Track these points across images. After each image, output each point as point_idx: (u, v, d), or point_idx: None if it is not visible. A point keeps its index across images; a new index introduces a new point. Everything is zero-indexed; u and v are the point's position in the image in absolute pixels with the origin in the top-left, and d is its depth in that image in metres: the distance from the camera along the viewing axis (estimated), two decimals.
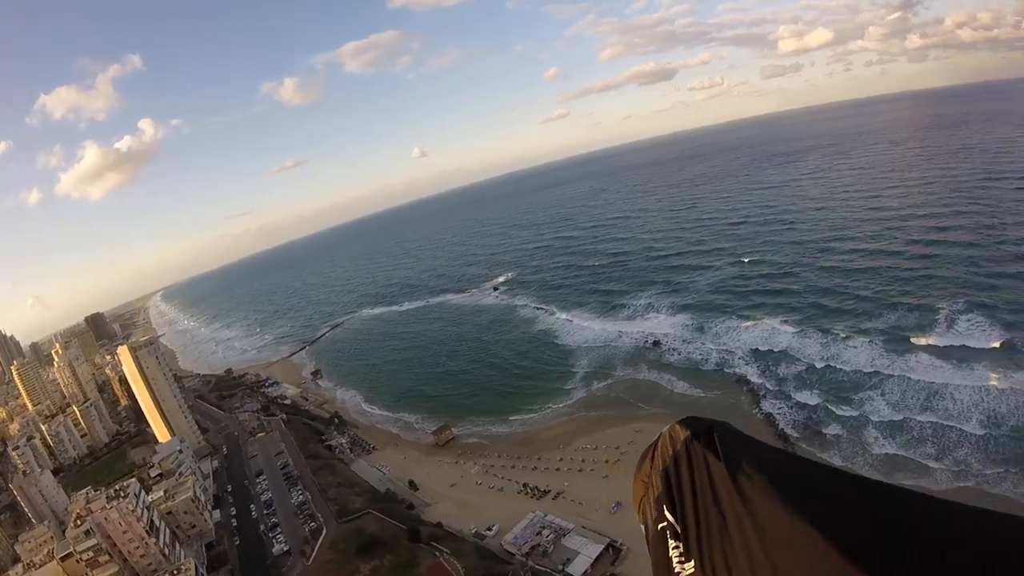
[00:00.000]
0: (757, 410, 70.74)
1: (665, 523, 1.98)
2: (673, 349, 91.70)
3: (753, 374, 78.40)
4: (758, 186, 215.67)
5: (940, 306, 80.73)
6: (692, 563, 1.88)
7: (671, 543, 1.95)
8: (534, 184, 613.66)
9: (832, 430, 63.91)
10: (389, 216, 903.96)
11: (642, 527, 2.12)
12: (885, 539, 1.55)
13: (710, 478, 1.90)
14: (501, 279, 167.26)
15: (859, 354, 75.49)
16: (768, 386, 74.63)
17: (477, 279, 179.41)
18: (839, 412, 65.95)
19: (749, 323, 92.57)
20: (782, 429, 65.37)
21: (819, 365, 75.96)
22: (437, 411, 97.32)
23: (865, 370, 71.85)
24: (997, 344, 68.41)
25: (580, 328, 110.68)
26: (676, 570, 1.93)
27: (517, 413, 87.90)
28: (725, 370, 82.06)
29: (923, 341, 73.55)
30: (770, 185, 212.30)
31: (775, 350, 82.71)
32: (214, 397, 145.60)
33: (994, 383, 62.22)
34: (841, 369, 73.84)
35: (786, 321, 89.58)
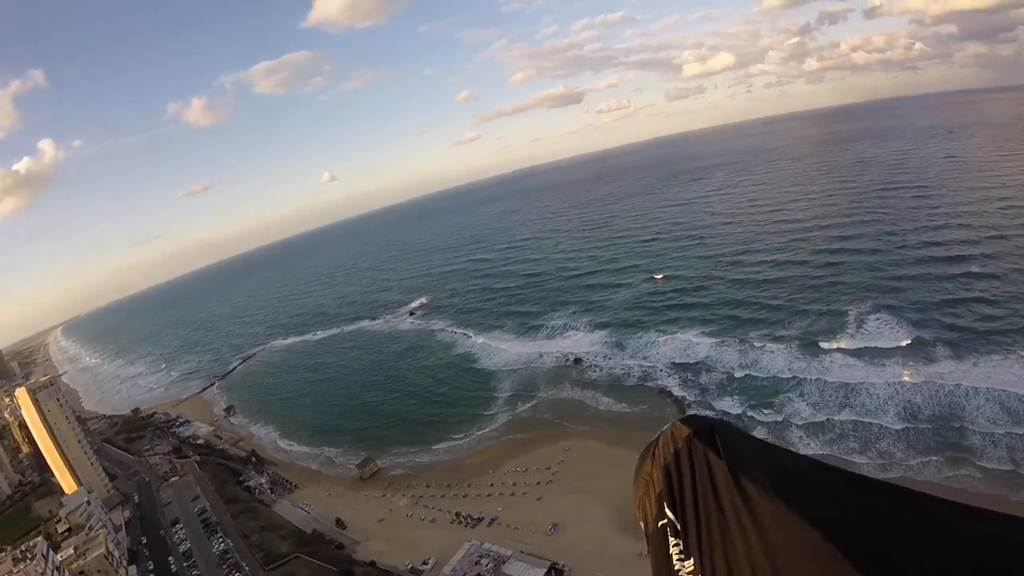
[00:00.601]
0: (682, 415, 72.76)
1: (665, 520, 2.04)
2: (595, 366, 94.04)
3: (675, 386, 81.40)
4: (667, 204, 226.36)
5: (849, 310, 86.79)
6: (692, 561, 1.94)
7: (671, 541, 2.01)
8: (446, 207, 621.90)
9: (758, 434, 65.24)
10: (299, 242, 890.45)
11: (641, 524, 2.20)
12: (886, 541, 1.59)
13: (711, 476, 1.95)
14: (416, 304, 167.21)
15: (776, 360, 79.89)
16: (691, 396, 77.59)
17: (392, 304, 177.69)
18: (762, 417, 69.11)
19: (667, 336, 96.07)
20: None
21: (738, 373, 79.60)
22: (359, 444, 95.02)
23: (783, 375, 76.01)
24: (906, 342, 74.29)
25: (499, 350, 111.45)
26: (676, 568, 1.99)
27: (442, 441, 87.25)
28: (648, 384, 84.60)
29: (835, 344, 78.78)
30: (679, 202, 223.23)
31: (694, 361, 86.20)
32: (121, 440, 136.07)
33: (907, 378, 67.39)
34: (760, 376, 77.76)
35: (703, 333, 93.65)
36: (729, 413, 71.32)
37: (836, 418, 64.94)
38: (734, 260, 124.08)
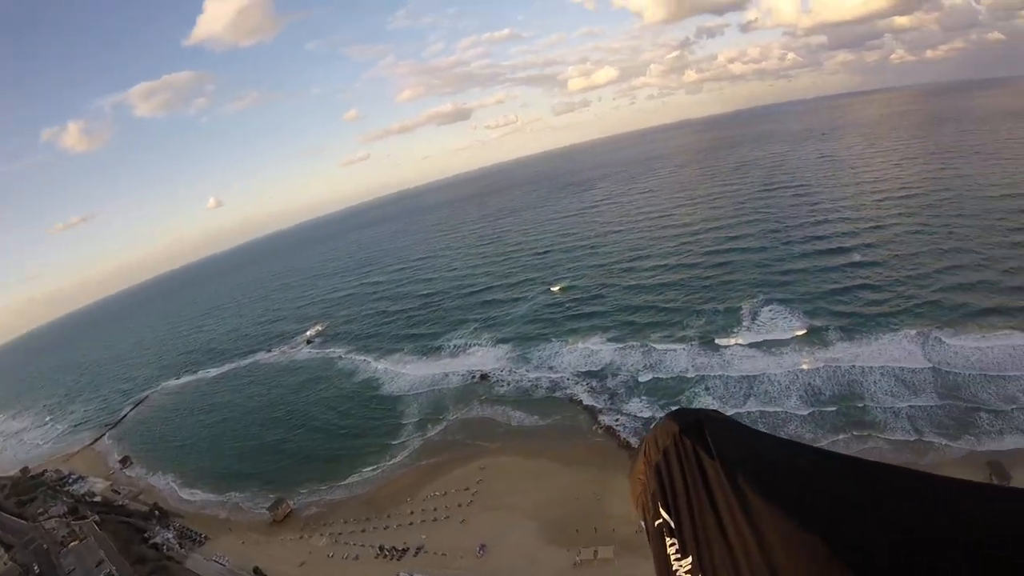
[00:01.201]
0: (596, 426, 75.53)
1: (661, 520, 2.07)
2: (501, 381, 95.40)
3: (584, 393, 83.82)
4: (559, 215, 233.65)
5: (743, 306, 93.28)
6: (689, 559, 1.95)
7: (668, 540, 2.03)
8: (337, 229, 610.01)
9: None
10: (185, 273, 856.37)
11: (642, 524, 2.22)
12: (876, 531, 1.57)
13: (701, 472, 1.96)
14: (312, 332, 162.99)
15: (678, 360, 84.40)
16: (601, 402, 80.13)
17: (287, 334, 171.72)
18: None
19: (570, 346, 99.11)
20: (625, 439, 70.19)
21: (644, 376, 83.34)
22: (267, 486, 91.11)
23: (687, 374, 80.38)
24: (801, 331, 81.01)
25: (402, 374, 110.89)
26: (674, 567, 2.00)
27: (353, 474, 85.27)
28: (557, 394, 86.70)
29: (733, 340, 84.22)
30: (570, 213, 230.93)
31: (599, 368, 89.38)
32: (12, 504, 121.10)
33: (805, 365, 73.36)
34: (664, 376, 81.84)
35: (605, 339, 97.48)
36: (641, 414, 74.89)
37: (743, 409, 68.87)
38: (628, 267, 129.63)
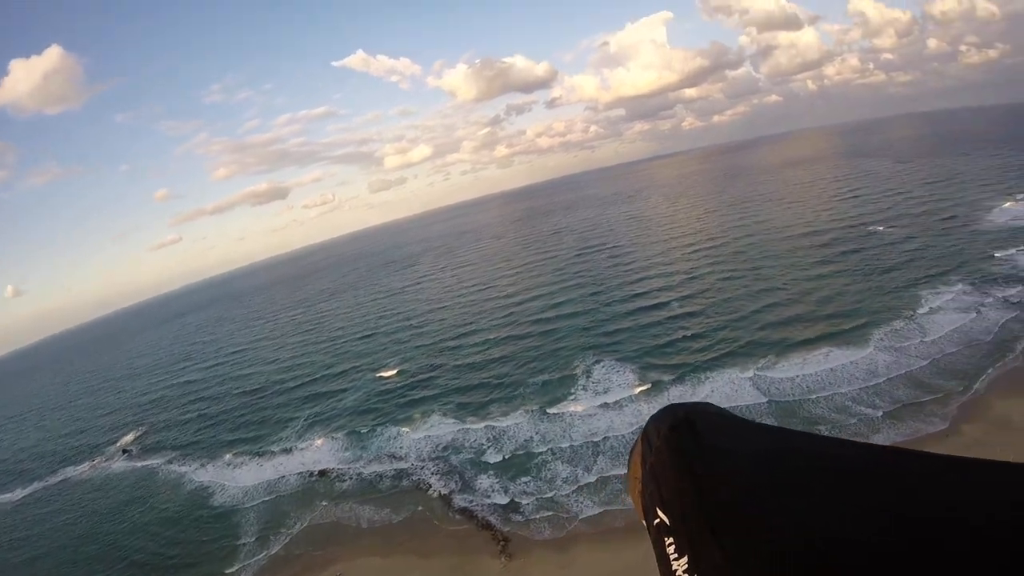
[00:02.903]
0: (450, 510, 71.53)
1: (658, 520, 2.01)
2: (343, 476, 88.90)
3: (432, 477, 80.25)
4: (380, 295, 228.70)
5: (577, 371, 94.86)
6: (685, 558, 1.88)
7: (666, 540, 1.97)
8: (145, 321, 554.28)
9: (528, 502, 67.88)
10: None
11: (644, 524, 2.17)
12: (867, 517, 1.53)
13: (692, 469, 1.95)
14: (127, 440, 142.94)
15: (521, 431, 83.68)
16: (451, 485, 76.89)
17: (99, 446, 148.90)
18: (526, 487, 70.63)
19: (408, 431, 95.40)
20: (483, 519, 67.39)
21: (489, 452, 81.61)
22: None
23: (533, 444, 79.79)
24: (637, 387, 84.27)
25: (233, 482, 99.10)
26: (673, 567, 1.93)
27: None
28: (403, 483, 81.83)
29: (573, 405, 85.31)
30: (391, 292, 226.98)
31: (443, 449, 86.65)
32: None
33: (650, 410, 73.87)
34: (511, 448, 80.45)
35: (444, 420, 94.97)
36: (494, 488, 72.54)
37: (591, 473, 69.09)
38: (457, 343, 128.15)
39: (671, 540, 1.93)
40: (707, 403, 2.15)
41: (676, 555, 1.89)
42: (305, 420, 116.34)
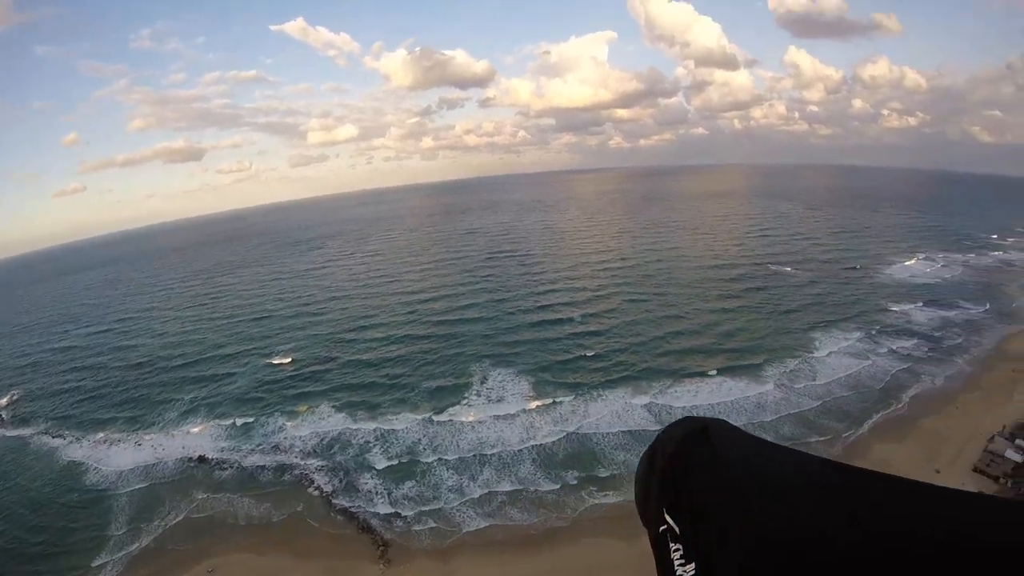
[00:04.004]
0: (332, 511, 69.74)
1: (665, 526, 2.10)
2: (223, 464, 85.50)
3: (316, 474, 77.90)
4: (283, 275, 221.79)
5: (473, 379, 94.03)
6: (692, 565, 1.99)
7: (672, 546, 2.07)
8: (36, 275, 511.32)
9: (411, 510, 67.11)
10: None
11: (646, 530, 2.27)
12: (880, 543, 1.62)
13: (707, 479, 2.04)
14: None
15: (411, 433, 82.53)
16: (334, 484, 74.91)
17: None
18: (410, 493, 69.67)
19: (296, 423, 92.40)
20: (364, 522, 66.10)
21: (376, 452, 79.87)
22: None
23: (420, 447, 78.64)
24: (532, 403, 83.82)
25: (108, 461, 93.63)
26: (678, 572, 2.04)
27: None
28: (286, 477, 79.08)
29: (464, 414, 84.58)
30: (294, 274, 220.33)
31: (330, 446, 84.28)
32: None
33: (538, 434, 76.56)
34: (398, 451, 78.91)
35: (333, 416, 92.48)
36: (378, 491, 71.31)
37: (480, 477, 69.56)
38: (356, 336, 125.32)
39: (677, 547, 2.03)
40: (722, 419, 2.25)
41: (682, 561, 2.00)
42: (189, 402, 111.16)
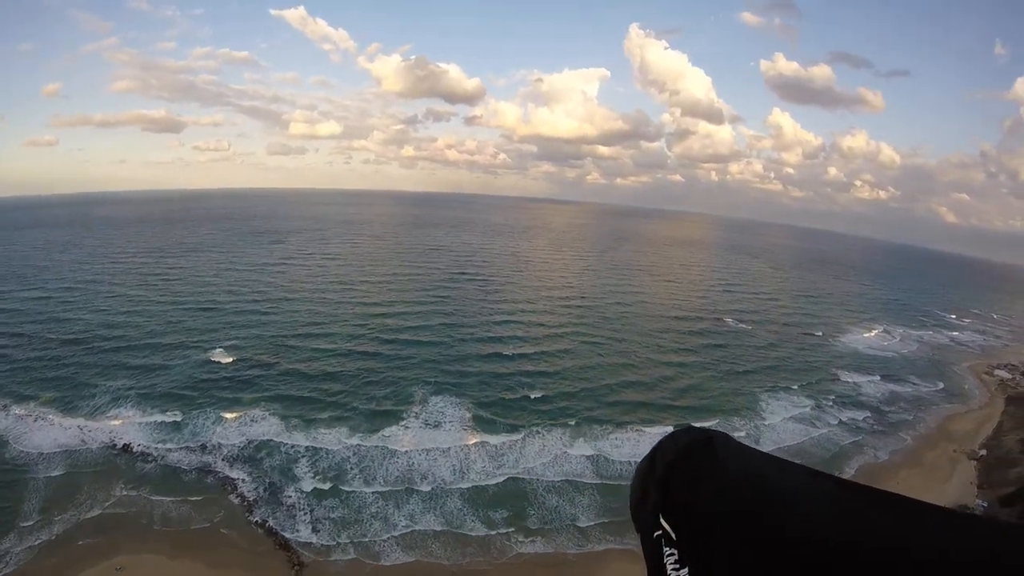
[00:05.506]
0: (251, 522, 66.98)
1: (660, 531, 2.14)
2: (147, 455, 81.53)
3: (240, 479, 75.24)
4: (238, 266, 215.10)
5: (413, 405, 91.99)
6: (686, 570, 2.02)
7: (666, 551, 2.10)
8: None
9: (333, 533, 65.11)
10: None
11: (638, 535, 2.29)
12: (880, 559, 1.64)
13: (710, 486, 2.08)
14: None
15: (343, 454, 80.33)
16: (258, 493, 72.51)
17: None
18: (333, 514, 67.64)
19: (226, 424, 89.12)
20: (283, 538, 64.06)
21: (306, 468, 77.69)
22: None
23: (351, 477, 75.81)
24: (472, 439, 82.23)
25: (31, 439, 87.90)
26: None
27: None
28: (209, 479, 75.86)
29: (401, 443, 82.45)
30: (250, 266, 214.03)
31: (259, 452, 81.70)
32: None
33: (474, 472, 75.30)
34: (328, 469, 76.78)
35: (267, 421, 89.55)
36: (299, 527, 67.57)
37: (406, 507, 68.17)
38: (302, 343, 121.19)
39: (672, 551, 2.06)
40: (725, 432, 2.28)
41: (676, 566, 2.03)
42: (121, 387, 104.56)
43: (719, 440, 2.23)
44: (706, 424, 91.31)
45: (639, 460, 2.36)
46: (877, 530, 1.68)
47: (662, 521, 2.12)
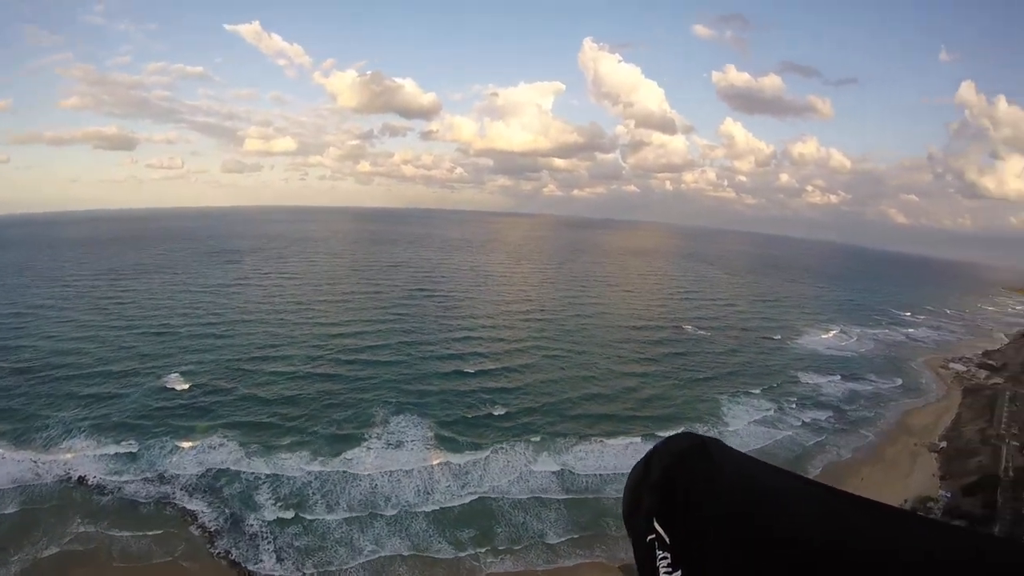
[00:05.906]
0: (212, 554, 65.40)
1: (653, 535, 2.18)
2: (103, 487, 78.92)
3: (200, 510, 73.25)
4: (191, 287, 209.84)
5: (374, 427, 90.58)
6: (679, 573, 2.07)
7: (659, 554, 2.15)
8: None
9: (296, 564, 63.63)
10: None
11: (630, 539, 2.35)
12: (868, 563, 1.72)
13: (700, 492, 2.14)
14: None
15: (305, 480, 78.79)
16: (219, 523, 70.61)
17: None
18: (296, 542, 66.56)
19: (183, 453, 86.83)
20: (246, 569, 62.86)
21: (268, 496, 75.93)
22: None
23: (314, 504, 74.39)
24: (435, 459, 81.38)
25: None
26: None
27: None
28: (168, 510, 73.71)
29: (364, 466, 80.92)
30: (205, 288, 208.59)
31: (218, 480, 79.72)
32: None
33: (438, 491, 74.60)
34: (290, 496, 75.39)
35: (225, 448, 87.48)
36: (262, 557, 66.27)
37: (371, 533, 67.01)
38: (257, 367, 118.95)
39: (665, 554, 2.12)
40: (719, 439, 2.35)
41: (669, 569, 2.09)
42: (74, 417, 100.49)
43: (714, 446, 2.28)
44: (670, 432, 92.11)
45: (634, 465, 2.38)
46: (860, 531, 1.76)
47: (656, 525, 2.16)
